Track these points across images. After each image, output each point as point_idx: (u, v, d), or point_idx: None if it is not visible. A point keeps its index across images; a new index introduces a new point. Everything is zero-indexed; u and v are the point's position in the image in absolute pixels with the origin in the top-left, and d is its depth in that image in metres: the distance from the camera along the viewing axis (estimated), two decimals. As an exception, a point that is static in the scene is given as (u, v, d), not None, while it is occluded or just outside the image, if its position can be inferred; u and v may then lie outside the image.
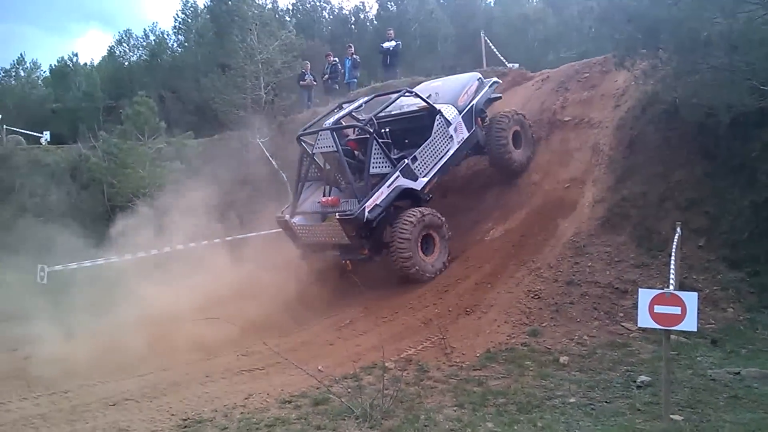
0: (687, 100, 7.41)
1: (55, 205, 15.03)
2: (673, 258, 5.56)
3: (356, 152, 9.49)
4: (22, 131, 22.02)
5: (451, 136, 9.57)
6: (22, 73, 34.40)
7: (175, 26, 32.02)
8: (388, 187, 8.67)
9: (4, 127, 21.61)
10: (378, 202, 8.48)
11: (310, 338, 7.57)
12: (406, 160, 8.96)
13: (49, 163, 17.76)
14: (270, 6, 26.31)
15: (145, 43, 33.70)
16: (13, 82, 33.70)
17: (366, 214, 8.29)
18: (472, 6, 28.17)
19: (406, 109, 9.74)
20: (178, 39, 32.33)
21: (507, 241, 8.75)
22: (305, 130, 9.65)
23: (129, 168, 15.58)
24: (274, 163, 13.92)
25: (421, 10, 26.63)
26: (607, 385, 5.32)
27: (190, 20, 30.99)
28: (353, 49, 17.31)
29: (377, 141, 8.80)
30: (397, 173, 8.79)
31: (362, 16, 30.03)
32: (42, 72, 34.70)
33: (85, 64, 33.92)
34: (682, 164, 7.86)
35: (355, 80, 16.84)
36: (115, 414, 5.31)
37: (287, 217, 9.26)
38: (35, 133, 22.01)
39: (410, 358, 6.32)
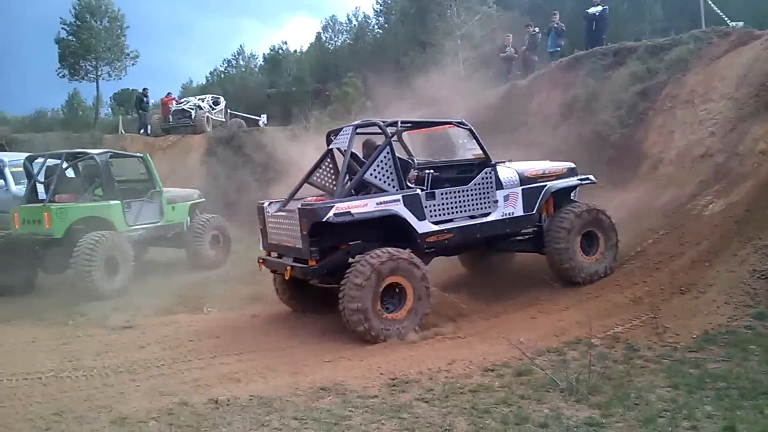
0: None
1: (277, 179, 16.39)
2: None
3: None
4: (243, 115, 24.36)
5: (496, 200, 7.51)
6: (241, 63, 37.98)
7: (376, 9, 33.27)
8: (378, 204, 6.75)
9: (229, 111, 24.05)
10: (354, 212, 6.60)
11: (510, 311, 7.53)
12: (420, 190, 7.05)
13: (266, 144, 19.39)
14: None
15: (348, 28, 35.51)
16: (234, 71, 37.28)
17: (330, 213, 6.46)
18: (685, -39, 25.82)
19: (457, 157, 8.07)
20: (379, 21, 33.54)
21: (729, 216, 7.88)
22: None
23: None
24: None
25: (629, -30, 24.96)
26: None
27: (390, 2, 31.95)
28: (558, 16, 16.68)
29: (392, 149, 7.00)
30: (400, 196, 6.88)
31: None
32: (258, 61, 37.91)
33: (295, 51, 36.54)
34: None
35: (558, 49, 16.22)
36: (330, 370, 5.74)
37: (266, 204, 7.61)
38: (254, 116, 24.19)
39: (618, 336, 6.04)
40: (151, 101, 25.52)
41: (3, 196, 12.90)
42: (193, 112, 21.87)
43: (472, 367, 5.50)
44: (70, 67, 31.54)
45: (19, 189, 12.70)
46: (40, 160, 10.20)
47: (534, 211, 7.79)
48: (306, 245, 6.61)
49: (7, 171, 13.32)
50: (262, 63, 37.20)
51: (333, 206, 6.51)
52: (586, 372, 4.89)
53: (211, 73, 39.20)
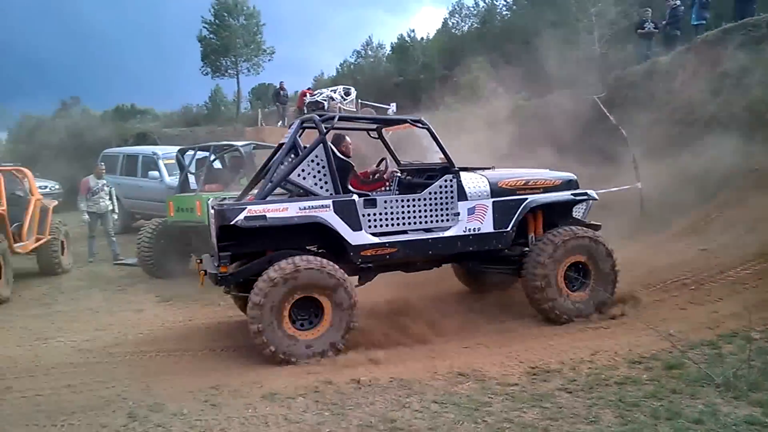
0: None
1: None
2: None
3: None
4: (373, 104, 24.82)
5: (457, 213, 6.42)
6: (370, 53, 38.57)
7: (504, -9, 32.61)
8: (301, 209, 5.88)
9: (359, 101, 24.59)
10: (270, 216, 5.77)
11: (659, 300, 7.16)
12: (357, 197, 6.09)
13: (394, 132, 19.59)
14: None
15: (475, 12, 35.01)
16: (363, 61, 37.99)
17: (240, 216, 5.70)
18: None
19: (427, 160, 7.32)
20: (507, 2, 32.84)
21: None
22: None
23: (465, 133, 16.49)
24: (612, 119, 13.28)
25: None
26: None
27: (519, -18, 31.20)
28: (705, -15, 15.56)
29: (326, 147, 6.06)
30: (330, 202, 5.96)
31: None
32: (386, 50, 38.37)
33: (422, 38, 36.56)
34: None
35: (704, 22, 15.12)
36: (468, 356, 5.75)
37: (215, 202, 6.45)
38: (383, 105, 24.58)
39: (779, 330, 5.59)
40: (288, 94, 26.66)
41: (158, 187, 14.02)
42: (325, 103, 22.59)
43: (617, 358, 5.31)
44: (212, 64, 33.61)
45: (171, 180, 13.74)
46: (191, 152, 10.92)
47: (509, 228, 6.57)
48: (216, 249, 5.92)
49: (160, 163, 14.48)
50: (390, 52, 37.62)
51: (245, 208, 5.75)
52: (745, 367, 4.58)
53: (341, 64, 40.20)
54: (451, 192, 6.43)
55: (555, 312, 6.50)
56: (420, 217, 6.35)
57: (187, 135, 24.96)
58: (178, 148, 11.59)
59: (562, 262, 6.54)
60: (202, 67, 34.24)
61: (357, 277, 6.46)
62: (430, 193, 6.37)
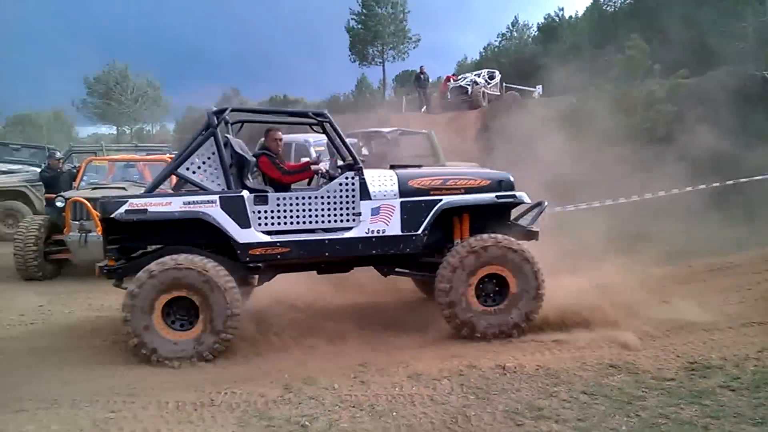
0: None
1: (550, 152, 16.13)
2: None
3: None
4: (518, 87, 24.29)
5: (359, 213, 5.98)
6: (515, 34, 37.74)
7: (661, -38, 30.44)
8: (185, 204, 5.66)
9: (504, 84, 24.17)
10: (151, 210, 5.61)
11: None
12: (246, 193, 5.79)
13: (542, 115, 19.05)
14: None
15: (629, -14, 33.10)
16: (508, 43, 37.26)
17: (121, 209, 5.58)
18: None
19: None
20: (665, -27, 30.67)
21: None
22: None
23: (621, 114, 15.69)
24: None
25: None
26: None
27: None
28: None
29: (216, 141, 5.79)
30: (216, 198, 5.69)
31: None
32: (532, 31, 37.38)
33: (570, 17, 35.19)
34: None
35: None
36: (619, 348, 5.50)
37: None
38: (529, 88, 23.98)
39: None
40: (429, 78, 26.74)
41: (309, 172, 14.64)
42: (469, 87, 22.43)
43: (788, 356, 4.87)
44: (359, 53, 34.50)
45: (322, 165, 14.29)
46: (340, 139, 11.30)
47: (419, 232, 6.02)
48: (104, 242, 5.94)
49: (312, 150, 15.10)
50: (537, 32, 36.62)
51: (127, 201, 5.66)
52: None
53: (485, 47, 39.76)
54: (353, 190, 5.97)
55: (466, 328, 5.91)
56: (317, 216, 5.95)
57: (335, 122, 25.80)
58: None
59: (474, 273, 5.92)
60: (350, 56, 35.29)
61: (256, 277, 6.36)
62: (328, 191, 5.95)
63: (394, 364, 5.27)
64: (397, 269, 6.41)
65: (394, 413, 4.29)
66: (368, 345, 5.92)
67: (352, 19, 34.22)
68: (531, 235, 6.38)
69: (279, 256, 5.88)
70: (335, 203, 5.95)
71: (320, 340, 6.01)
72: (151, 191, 5.96)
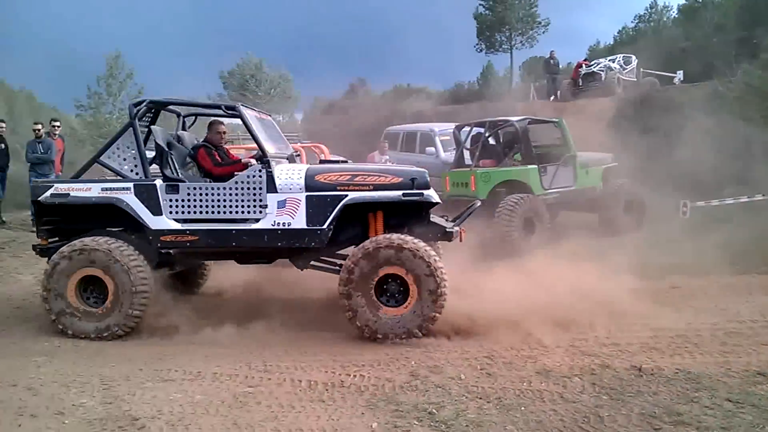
0: None
1: (691, 143, 15.21)
2: None
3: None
4: (657, 72, 22.93)
5: (265, 205, 6.00)
6: (653, 16, 35.71)
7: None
8: (103, 190, 6.06)
9: (641, 69, 22.92)
10: (73, 194, 6.06)
11: None
12: (159, 181, 6.05)
13: (682, 102, 17.94)
14: None
15: (785, -40, 30.24)
16: (645, 26, 35.34)
17: (47, 192, 6.10)
18: None
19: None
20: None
21: None
22: None
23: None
24: None
25: None
26: None
27: None
28: None
29: (135, 131, 6.12)
30: (131, 185, 6.02)
31: None
32: (672, 12, 35.23)
33: (717, -3, 32.73)
34: None
35: None
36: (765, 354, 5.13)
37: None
38: (669, 74, 22.60)
39: None
40: (560, 64, 25.89)
41: (434, 162, 14.68)
42: (602, 73, 21.49)
43: None
44: (487, 40, 34.01)
45: (446, 155, 14.29)
46: (467, 128, 11.23)
47: (324, 226, 6.00)
48: (36, 222, 6.49)
49: (437, 140, 15.12)
50: (677, 14, 34.42)
51: (53, 185, 6.13)
52: None
53: (619, 31, 37.90)
54: (260, 183, 6.03)
55: (367, 328, 5.79)
56: (225, 206, 6.06)
57: (459, 112, 25.64)
58: (455, 124, 11.97)
59: (372, 274, 5.80)
60: (477, 44, 34.90)
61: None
62: (237, 183, 6.04)
63: (522, 359, 5.19)
64: (312, 263, 6.49)
65: (522, 408, 4.22)
66: (491, 337, 5.83)
67: (480, 5, 33.81)
68: (447, 236, 6.27)
69: (188, 244, 6.14)
70: (243, 195, 6.07)
71: (444, 329, 6.03)
72: (77, 177, 6.43)
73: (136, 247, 6.11)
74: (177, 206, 6.11)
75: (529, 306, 6.13)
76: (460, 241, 6.44)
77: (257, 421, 4.08)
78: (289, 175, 6.12)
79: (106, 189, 6.13)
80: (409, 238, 5.89)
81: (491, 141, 11.19)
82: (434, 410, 4.20)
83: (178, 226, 6.11)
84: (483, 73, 38.59)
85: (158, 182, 6.11)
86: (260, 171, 6.07)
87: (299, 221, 6.05)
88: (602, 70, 21.58)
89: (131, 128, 6.21)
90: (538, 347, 5.49)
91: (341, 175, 6.11)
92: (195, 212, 6.12)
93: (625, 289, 7.10)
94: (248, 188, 6.06)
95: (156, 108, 6.73)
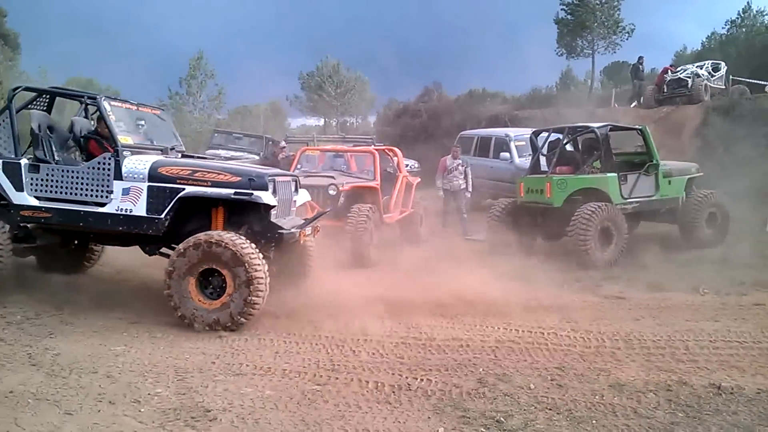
0: None
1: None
2: None
3: None
4: (747, 80, 21.90)
5: (111, 191, 6.48)
6: (746, 22, 34.10)
7: None
8: None
9: (730, 77, 21.92)
10: None
11: None
12: (24, 161, 6.75)
13: (774, 111, 17.06)
14: None
15: None
16: (737, 32, 33.79)
17: None
18: None
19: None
20: None
21: None
22: None
23: None
24: None
25: None
26: None
27: None
28: None
29: (11, 115, 6.91)
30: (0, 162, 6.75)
31: None
32: (767, 17, 33.58)
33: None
34: None
35: None
36: None
37: None
38: (761, 82, 21.55)
39: None
40: (645, 70, 25.09)
41: (507, 168, 14.51)
42: (689, 80, 20.67)
43: None
44: (567, 45, 33.31)
45: (521, 161, 14.09)
46: (545, 134, 11.03)
47: (162, 216, 6.36)
48: None
49: (512, 145, 14.94)
50: (772, 20, 32.73)
51: None
52: None
53: (707, 37, 36.36)
54: (108, 170, 6.50)
55: (187, 319, 6.11)
56: (77, 189, 6.60)
57: (536, 117, 25.24)
58: (532, 130, 11.78)
59: (193, 268, 6.10)
60: (557, 48, 34.26)
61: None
62: (88, 168, 6.58)
63: (594, 371, 5.04)
64: (161, 250, 6.97)
65: (594, 421, 4.10)
66: (562, 346, 5.71)
67: (561, 9, 33.14)
68: (284, 236, 6.47)
69: (43, 220, 6.73)
70: (93, 179, 6.55)
71: (511, 335, 5.93)
72: None
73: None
74: (37, 184, 6.71)
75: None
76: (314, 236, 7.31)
77: (324, 419, 4.12)
78: (135, 164, 6.50)
79: None
80: (227, 234, 6.13)
81: (569, 147, 10.92)
82: (502, 419, 4.14)
83: (36, 202, 6.70)
84: (562, 78, 37.84)
85: (23, 161, 6.76)
86: (109, 159, 6.52)
87: (140, 209, 6.44)
88: (689, 77, 20.75)
89: (6, 111, 6.96)
90: (611, 360, 5.32)
91: (183, 170, 6.46)
92: (51, 192, 6.68)
93: (705, 305, 6.82)
94: (97, 174, 6.55)
95: (37, 93, 7.46)
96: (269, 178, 6.51)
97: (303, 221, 7.17)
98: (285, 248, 6.99)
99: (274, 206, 6.50)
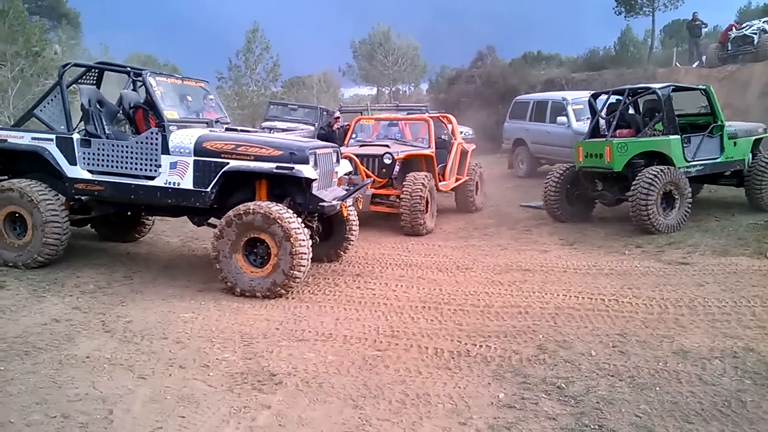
0: None
1: None
2: None
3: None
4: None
5: (159, 165, 6.70)
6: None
7: None
8: (33, 139, 7.17)
9: (802, 31, 20.76)
10: (10, 140, 7.25)
11: None
12: (76, 135, 7.05)
13: None
14: None
15: None
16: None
17: None
18: None
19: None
20: None
21: None
22: None
23: None
24: None
25: None
26: None
27: None
28: None
29: (62, 89, 7.27)
30: (54, 136, 7.10)
31: None
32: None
33: None
34: None
35: None
36: None
37: None
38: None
39: None
40: (704, 28, 24.00)
41: (565, 132, 14.22)
42: (755, 36, 19.69)
43: None
44: (626, 2, 32.14)
45: (579, 125, 13.78)
46: (604, 96, 10.73)
47: (208, 189, 6.55)
48: None
49: (569, 108, 14.61)
50: None
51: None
52: None
53: (778, -11, 34.43)
54: (156, 145, 6.68)
55: (234, 287, 6.36)
56: (127, 163, 6.81)
57: (594, 79, 24.57)
58: (590, 93, 11.48)
59: (239, 237, 6.31)
60: (616, 6, 33.10)
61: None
62: (137, 143, 6.77)
63: (657, 338, 4.97)
64: (208, 221, 7.27)
65: (657, 388, 4.05)
66: (624, 314, 5.64)
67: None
68: (325, 209, 6.56)
69: (96, 193, 7.03)
70: (142, 154, 6.75)
71: (571, 302, 5.89)
72: (19, 125, 7.59)
73: (54, 190, 7.13)
74: (89, 159, 6.98)
75: None
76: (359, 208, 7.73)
77: (386, 384, 4.21)
78: (181, 139, 6.68)
79: (36, 138, 7.17)
80: (271, 205, 6.24)
81: (630, 110, 10.61)
82: (563, 385, 4.14)
83: (89, 176, 6.97)
84: (621, 38, 36.54)
85: (75, 136, 7.04)
86: (156, 134, 6.70)
87: (187, 182, 6.64)
88: (755, 33, 19.75)
89: (57, 87, 7.29)
90: (675, 327, 5.24)
91: (226, 144, 6.58)
92: (103, 165, 6.93)
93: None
94: (146, 148, 6.75)
95: (85, 69, 7.65)
96: (310, 151, 6.55)
97: (344, 192, 7.24)
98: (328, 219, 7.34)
99: (314, 179, 6.56)
